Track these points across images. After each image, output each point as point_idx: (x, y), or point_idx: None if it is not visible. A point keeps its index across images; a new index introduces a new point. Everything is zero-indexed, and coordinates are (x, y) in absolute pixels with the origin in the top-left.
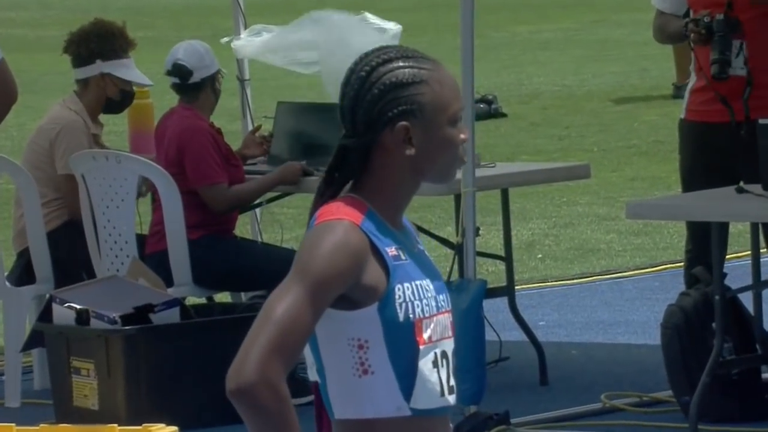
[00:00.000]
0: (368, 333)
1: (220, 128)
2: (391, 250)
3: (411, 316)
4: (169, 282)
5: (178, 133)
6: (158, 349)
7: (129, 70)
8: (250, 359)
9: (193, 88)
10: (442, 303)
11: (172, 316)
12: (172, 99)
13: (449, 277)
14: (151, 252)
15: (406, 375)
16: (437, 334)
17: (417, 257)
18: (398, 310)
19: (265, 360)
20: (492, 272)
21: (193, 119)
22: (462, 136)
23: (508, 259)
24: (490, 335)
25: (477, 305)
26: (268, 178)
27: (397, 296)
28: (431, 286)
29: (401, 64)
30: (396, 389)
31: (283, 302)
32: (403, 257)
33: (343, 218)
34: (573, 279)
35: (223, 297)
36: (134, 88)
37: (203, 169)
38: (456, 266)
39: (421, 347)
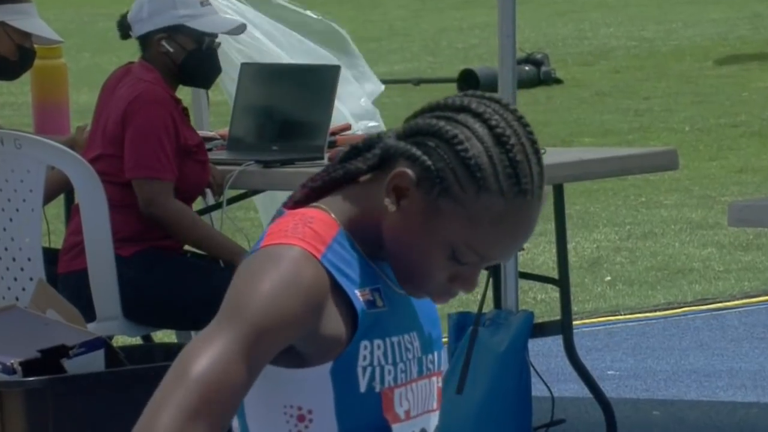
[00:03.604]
0: (313, 401)
1: (186, 108)
2: (362, 293)
3: (375, 385)
4: (90, 315)
5: (127, 98)
6: (74, 407)
7: (30, 18)
8: (158, 428)
9: (142, 45)
10: (430, 365)
11: (95, 362)
12: (93, 59)
13: (481, 307)
14: (66, 273)
15: None
16: (417, 408)
17: (401, 301)
18: (359, 376)
19: (179, 430)
20: (541, 301)
21: (152, 85)
22: (454, 286)
23: (563, 282)
24: (538, 389)
25: (520, 347)
26: (225, 244)
27: (361, 357)
28: (416, 343)
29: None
30: None
31: (206, 354)
32: (379, 303)
33: (295, 244)
34: (655, 311)
35: (165, 336)
36: (35, 44)
37: (145, 154)
38: (490, 293)
39: (394, 426)
